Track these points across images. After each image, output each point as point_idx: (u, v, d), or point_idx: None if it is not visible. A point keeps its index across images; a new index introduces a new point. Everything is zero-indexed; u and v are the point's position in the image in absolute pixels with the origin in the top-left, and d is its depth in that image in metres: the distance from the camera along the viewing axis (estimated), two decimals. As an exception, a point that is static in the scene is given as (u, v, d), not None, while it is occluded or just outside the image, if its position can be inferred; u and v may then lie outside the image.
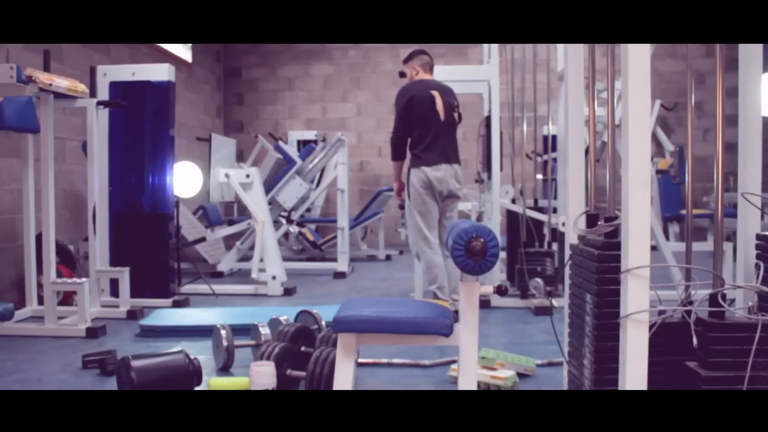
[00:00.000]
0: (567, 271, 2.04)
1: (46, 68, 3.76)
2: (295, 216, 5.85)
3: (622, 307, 1.58)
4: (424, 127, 3.83)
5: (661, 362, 1.69)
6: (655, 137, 7.96)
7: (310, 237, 6.86)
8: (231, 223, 6.36)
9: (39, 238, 4.05)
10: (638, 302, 1.55)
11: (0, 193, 4.56)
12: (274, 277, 4.84)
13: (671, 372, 1.70)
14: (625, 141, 1.59)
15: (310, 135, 8.13)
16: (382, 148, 8.51)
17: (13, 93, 3.64)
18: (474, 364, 1.84)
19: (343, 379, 1.80)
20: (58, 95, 3.72)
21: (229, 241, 6.40)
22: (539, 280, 4.12)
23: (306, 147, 6.41)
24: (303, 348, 2.79)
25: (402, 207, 7.94)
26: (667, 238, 7.38)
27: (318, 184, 7.00)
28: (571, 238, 2.06)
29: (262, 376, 2.31)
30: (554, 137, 5.65)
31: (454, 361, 2.98)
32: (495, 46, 4.39)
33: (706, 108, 7.97)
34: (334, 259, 6.49)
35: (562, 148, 4.84)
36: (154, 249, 4.35)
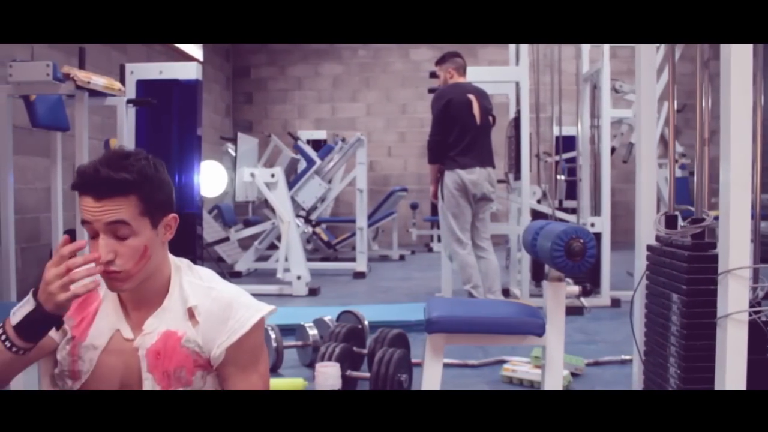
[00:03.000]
0: (642, 272, 2.05)
1: (81, 66, 3.72)
2: (314, 216, 5.84)
3: (720, 307, 1.60)
4: (461, 131, 3.84)
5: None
6: (663, 139, 8.02)
7: (324, 237, 6.85)
8: (246, 223, 6.34)
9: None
10: (738, 302, 1.57)
11: (24, 192, 4.51)
12: (299, 277, 4.82)
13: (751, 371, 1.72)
14: (726, 143, 1.61)
15: (320, 135, 8.12)
16: (392, 148, 8.52)
17: (47, 91, 3.59)
18: (560, 363, 1.86)
19: (432, 379, 1.80)
20: (91, 93, 3.68)
21: (243, 242, 6.37)
22: (569, 280, 4.14)
23: (325, 147, 6.40)
24: (355, 348, 2.79)
25: (414, 207, 7.98)
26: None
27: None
28: (646, 239, 2.08)
29: (328, 377, 2.30)
30: (567, 138, 5.69)
31: (501, 361, 2.99)
32: (525, 48, 4.41)
33: (714, 109, 8.04)
34: (348, 259, 6.49)
35: (582, 148, 4.87)
36: (181, 248, 4.26)
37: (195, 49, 7.49)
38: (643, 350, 2.04)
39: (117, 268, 1.17)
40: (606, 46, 4.26)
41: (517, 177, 4.56)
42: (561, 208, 4.81)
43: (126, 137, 4.11)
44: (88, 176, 1.16)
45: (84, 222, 1.18)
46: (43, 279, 1.12)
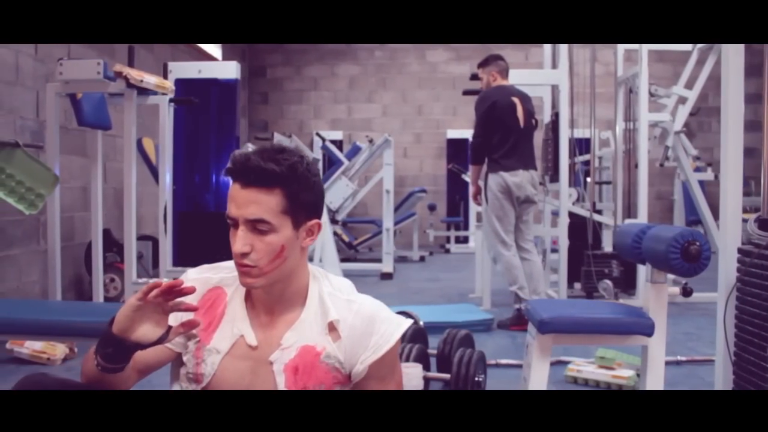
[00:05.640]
0: (730, 274, 2.08)
1: (130, 64, 3.71)
2: (340, 216, 5.84)
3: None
4: (505, 133, 3.86)
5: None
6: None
7: (345, 238, 6.85)
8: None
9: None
10: None
11: (60, 191, 4.47)
12: (333, 278, 4.83)
13: None
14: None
15: (336, 135, 8.12)
16: (408, 149, 8.54)
17: (97, 89, 3.58)
18: (662, 363, 1.88)
19: (539, 379, 1.82)
20: (141, 91, 3.66)
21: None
22: (608, 282, 4.18)
23: (352, 147, 6.41)
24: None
25: (432, 208, 8.00)
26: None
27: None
28: (732, 243, 2.11)
29: (412, 377, 2.32)
30: (582, 140, 5.73)
31: (559, 362, 3.02)
32: (564, 51, 4.42)
33: (727, 114, 8.13)
34: (368, 260, 6.50)
35: (617, 151, 4.91)
36: (220, 249, 4.29)
37: (214, 49, 7.48)
38: (732, 351, 2.06)
39: (251, 262, 1.16)
40: (645, 51, 4.29)
41: (554, 179, 4.59)
42: (593, 211, 4.84)
43: (169, 137, 4.10)
44: (239, 163, 1.16)
45: (227, 217, 1.18)
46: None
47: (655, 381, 1.84)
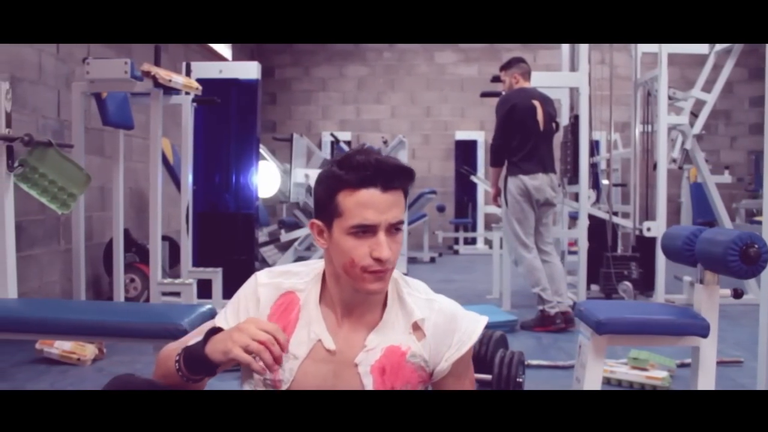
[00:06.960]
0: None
1: (156, 64, 3.71)
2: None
3: None
4: (525, 136, 3.87)
5: None
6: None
7: (356, 238, 6.86)
8: (281, 224, 6.33)
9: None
10: None
11: (80, 191, 4.46)
12: (350, 279, 4.83)
13: None
14: None
15: (344, 136, 8.12)
16: (416, 150, 8.56)
17: (124, 88, 3.57)
18: (713, 364, 1.90)
19: (594, 379, 1.84)
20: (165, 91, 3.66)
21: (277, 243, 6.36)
22: (628, 284, 4.21)
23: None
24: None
25: (441, 209, 8.02)
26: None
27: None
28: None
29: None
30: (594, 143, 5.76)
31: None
32: (584, 54, 4.44)
33: (734, 116, 8.19)
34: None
35: (634, 154, 4.94)
36: (239, 249, 4.30)
37: (224, 49, 7.48)
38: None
39: (390, 265, 1.15)
40: (665, 54, 4.32)
41: (572, 181, 4.61)
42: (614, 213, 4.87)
43: (190, 137, 4.10)
44: (371, 166, 1.10)
45: (360, 226, 1.12)
46: (239, 328, 1.09)
47: (707, 381, 1.86)
